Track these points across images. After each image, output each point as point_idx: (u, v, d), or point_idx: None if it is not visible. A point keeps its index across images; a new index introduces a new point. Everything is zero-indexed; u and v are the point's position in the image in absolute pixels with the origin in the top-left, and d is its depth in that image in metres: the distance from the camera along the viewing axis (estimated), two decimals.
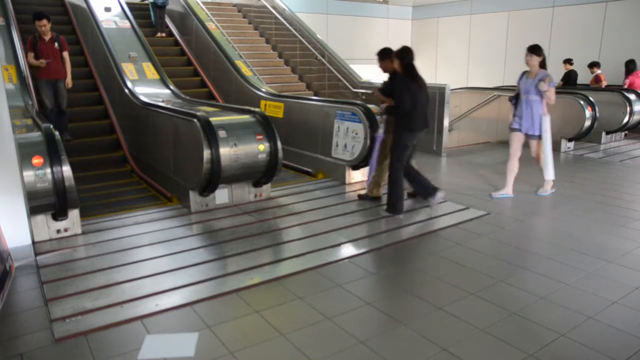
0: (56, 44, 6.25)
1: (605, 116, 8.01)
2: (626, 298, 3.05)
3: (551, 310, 2.93)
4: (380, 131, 4.77)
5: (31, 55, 6.11)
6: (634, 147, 8.24)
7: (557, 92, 8.07)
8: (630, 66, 9.01)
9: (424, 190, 4.81)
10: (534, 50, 4.94)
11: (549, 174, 5.25)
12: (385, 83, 4.88)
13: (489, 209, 4.78)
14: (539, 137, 5.11)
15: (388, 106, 4.63)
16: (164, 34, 9.61)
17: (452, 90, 7.78)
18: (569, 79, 9.87)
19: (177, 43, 9.70)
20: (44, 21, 6.05)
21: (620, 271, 3.44)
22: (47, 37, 6.16)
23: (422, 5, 16.06)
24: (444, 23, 15.64)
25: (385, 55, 4.80)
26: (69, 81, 6.44)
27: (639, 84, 8.85)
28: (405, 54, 4.37)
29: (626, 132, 8.96)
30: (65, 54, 6.36)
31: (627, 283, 3.25)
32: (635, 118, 8.39)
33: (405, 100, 4.31)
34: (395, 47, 4.62)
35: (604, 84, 9.46)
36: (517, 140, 5.19)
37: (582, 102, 7.62)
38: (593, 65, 9.57)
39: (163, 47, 9.30)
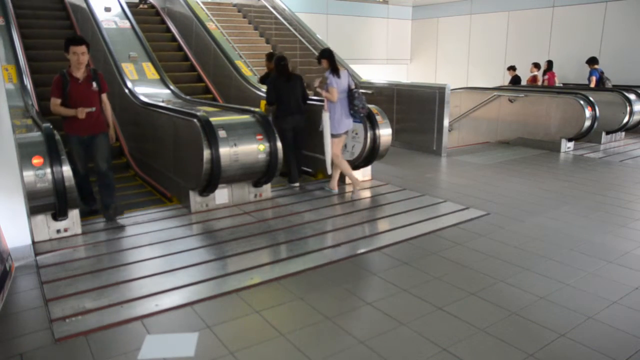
0: (94, 84, 4.36)
1: (605, 116, 8.02)
2: (626, 298, 3.05)
3: (551, 310, 2.93)
4: (270, 118, 5.49)
5: (56, 101, 4.23)
6: (634, 147, 8.23)
7: (558, 92, 8.23)
8: (549, 65, 11.04)
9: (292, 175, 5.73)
10: (320, 54, 5.25)
11: (328, 168, 5.38)
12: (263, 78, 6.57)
13: (489, 209, 4.78)
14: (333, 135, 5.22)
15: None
16: (145, 6, 10.38)
17: (452, 90, 7.77)
18: (515, 83, 11.53)
19: (157, 14, 10.39)
20: (83, 47, 4.19)
21: (620, 271, 3.44)
22: (82, 75, 4.28)
23: (422, 5, 16.06)
24: (444, 23, 15.64)
25: (269, 58, 6.37)
26: (112, 135, 4.60)
27: (553, 81, 10.86)
28: (280, 59, 5.63)
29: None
30: (104, 97, 4.54)
31: (627, 283, 3.25)
32: (635, 118, 8.41)
33: (269, 92, 5.64)
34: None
35: (538, 83, 11.06)
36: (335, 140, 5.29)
37: (582, 102, 7.62)
38: (535, 65, 11.16)
39: (145, 16, 10.05)
